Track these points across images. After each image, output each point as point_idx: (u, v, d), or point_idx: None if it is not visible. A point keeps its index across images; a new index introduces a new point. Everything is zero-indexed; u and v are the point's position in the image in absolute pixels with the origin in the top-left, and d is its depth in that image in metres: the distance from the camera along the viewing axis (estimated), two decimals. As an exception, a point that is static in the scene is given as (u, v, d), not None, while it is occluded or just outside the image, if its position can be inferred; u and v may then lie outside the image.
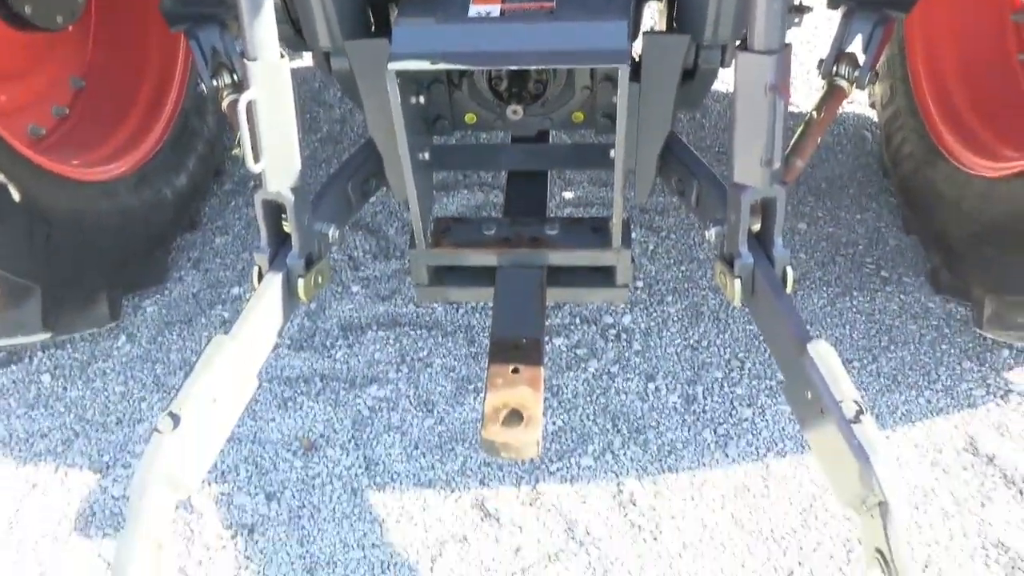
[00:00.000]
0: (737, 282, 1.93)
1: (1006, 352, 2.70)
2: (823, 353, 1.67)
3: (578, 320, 2.87)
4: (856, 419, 1.55)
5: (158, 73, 3.17)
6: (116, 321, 2.85)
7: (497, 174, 3.41)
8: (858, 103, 3.69)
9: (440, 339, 2.83)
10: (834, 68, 2.15)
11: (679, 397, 2.63)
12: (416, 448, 2.52)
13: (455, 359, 2.77)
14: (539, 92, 2.19)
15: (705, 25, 1.96)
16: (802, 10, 2.43)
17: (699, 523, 2.31)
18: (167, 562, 1.55)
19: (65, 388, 2.75)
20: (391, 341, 2.83)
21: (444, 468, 2.47)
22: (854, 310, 2.87)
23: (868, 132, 3.60)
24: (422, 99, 2.09)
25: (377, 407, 2.64)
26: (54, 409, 2.69)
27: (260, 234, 1.95)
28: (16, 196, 2.36)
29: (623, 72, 1.78)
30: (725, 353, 2.75)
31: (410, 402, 2.65)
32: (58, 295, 2.56)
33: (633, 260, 2.19)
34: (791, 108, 2.35)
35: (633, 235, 2.80)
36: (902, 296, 2.90)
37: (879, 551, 1.49)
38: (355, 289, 3.03)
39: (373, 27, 2.11)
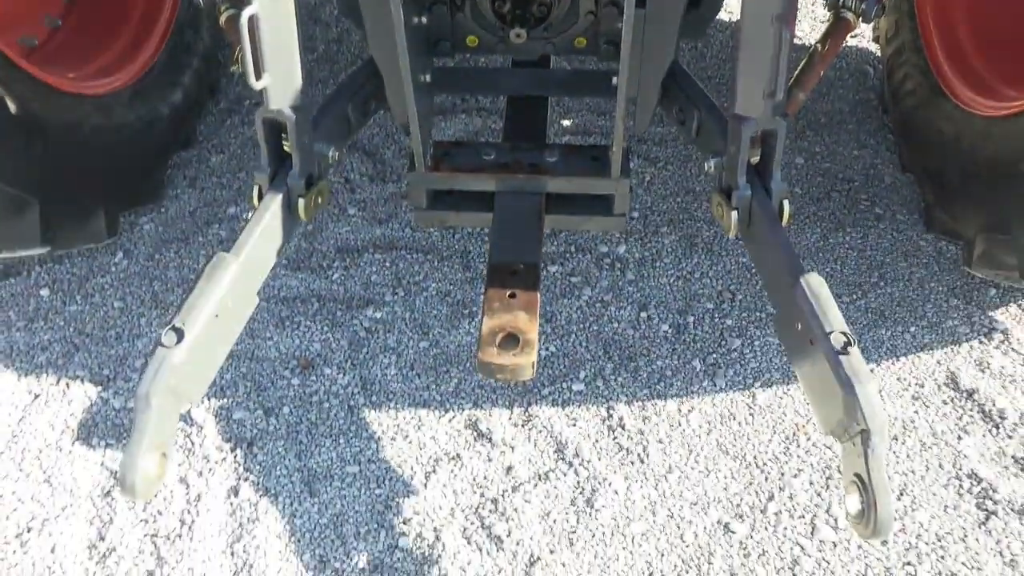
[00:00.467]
0: (734, 214, 1.95)
1: (992, 291, 2.74)
2: (815, 285, 1.70)
3: (573, 248, 2.89)
4: (844, 350, 1.59)
5: (152, -15, 3.10)
6: (114, 238, 2.86)
7: (496, 100, 3.38)
8: (861, 37, 3.66)
9: (436, 263, 2.86)
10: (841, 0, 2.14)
11: (670, 326, 2.68)
12: (411, 369, 2.57)
13: (451, 283, 2.80)
14: (542, 16, 2.17)
15: None
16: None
17: (685, 447, 2.38)
18: (171, 470, 1.60)
19: (64, 302, 2.77)
20: (387, 264, 2.86)
21: (439, 389, 2.53)
22: (846, 246, 2.90)
23: (870, 67, 3.58)
24: (424, 20, 2.06)
25: (373, 328, 2.68)
26: (54, 323, 2.72)
27: (260, 153, 1.95)
28: (12, 108, 2.35)
29: None
30: (717, 285, 2.79)
31: (406, 324, 2.68)
32: (56, 210, 2.57)
33: (631, 189, 2.20)
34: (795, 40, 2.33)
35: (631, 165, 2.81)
36: (894, 234, 2.93)
37: (858, 476, 1.55)
38: (352, 212, 3.03)
39: None
